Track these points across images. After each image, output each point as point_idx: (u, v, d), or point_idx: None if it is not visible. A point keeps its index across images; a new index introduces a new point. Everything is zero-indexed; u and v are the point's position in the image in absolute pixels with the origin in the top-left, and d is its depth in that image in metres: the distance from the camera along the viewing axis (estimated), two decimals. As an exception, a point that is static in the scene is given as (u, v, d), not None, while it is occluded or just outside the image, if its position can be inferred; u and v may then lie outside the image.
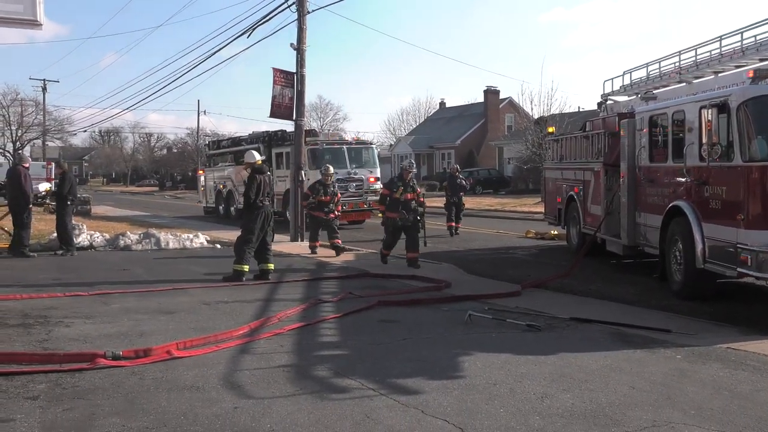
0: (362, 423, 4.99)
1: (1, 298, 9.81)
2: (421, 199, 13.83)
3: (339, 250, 15.39)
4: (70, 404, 5.36)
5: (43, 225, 19.71)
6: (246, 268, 11.69)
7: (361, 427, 4.90)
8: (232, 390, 5.77)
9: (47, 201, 17.04)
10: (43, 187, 21.54)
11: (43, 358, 6.60)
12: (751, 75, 9.12)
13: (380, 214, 14.20)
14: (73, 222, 16.28)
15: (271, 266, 12.07)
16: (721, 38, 11.92)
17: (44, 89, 58.23)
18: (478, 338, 7.60)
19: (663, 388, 5.84)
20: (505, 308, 9.18)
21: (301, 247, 17.30)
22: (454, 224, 20.74)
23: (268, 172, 12.72)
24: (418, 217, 13.59)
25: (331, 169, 16.14)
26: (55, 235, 15.71)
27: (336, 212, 15.74)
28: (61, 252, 15.25)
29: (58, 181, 16.48)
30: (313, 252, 15.56)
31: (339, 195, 16.04)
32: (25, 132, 62.97)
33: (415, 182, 14.00)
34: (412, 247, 13.47)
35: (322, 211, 15.52)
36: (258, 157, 12.71)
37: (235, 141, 31.24)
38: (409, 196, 13.53)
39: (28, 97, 62.77)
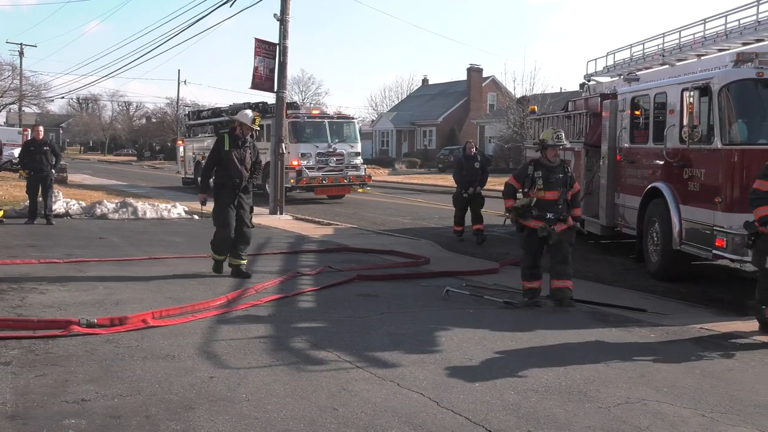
0: (338, 395, 5.00)
1: (-27, 263, 9.68)
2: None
3: (564, 299, 8.15)
4: (44, 370, 5.31)
5: (18, 191, 19.43)
6: None
7: (336, 399, 4.91)
8: (208, 360, 5.75)
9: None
10: (18, 152, 21.15)
11: (16, 323, 6.53)
12: (734, 59, 9.14)
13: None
14: (54, 190, 15.93)
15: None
16: (705, 21, 11.93)
17: (21, 53, 57.12)
18: (455, 314, 7.62)
19: (637, 366, 5.91)
20: (483, 285, 9.21)
21: (280, 220, 17.23)
22: (461, 228, 14.09)
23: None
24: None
25: (562, 136, 8.61)
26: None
27: (572, 218, 8.36)
28: (25, 220, 15.01)
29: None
30: (536, 304, 8.18)
31: (577, 186, 8.60)
32: (1, 97, 61.73)
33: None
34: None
35: (541, 219, 8.18)
36: None
37: (216, 112, 30.89)
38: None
39: (4, 61, 61.33)
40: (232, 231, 9.33)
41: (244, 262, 9.51)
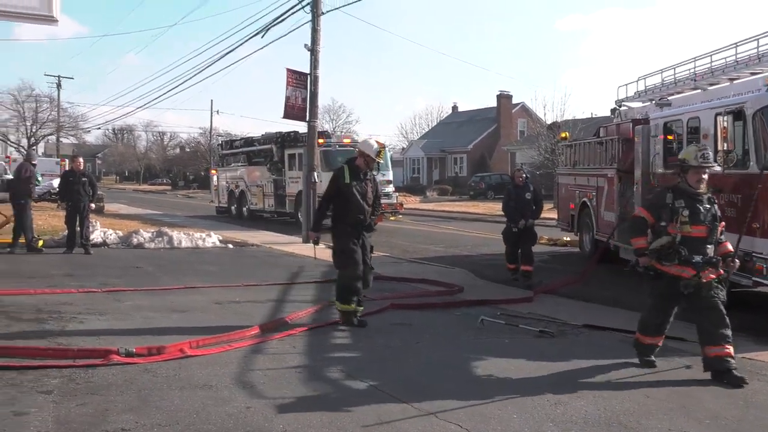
0: (374, 426, 4.98)
1: (14, 293, 9.88)
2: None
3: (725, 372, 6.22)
4: (84, 399, 5.39)
5: (56, 221, 19.80)
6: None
7: (373, 431, 4.89)
8: (245, 390, 5.78)
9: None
10: (57, 183, 21.58)
11: (56, 353, 6.63)
12: (767, 82, 9.04)
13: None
14: (90, 220, 16.16)
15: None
16: (737, 45, 11.82)
17: (59, 86, 58.61)
18: (490, 343, 7.57)
19: (678, 396, 5.80)
20: (518, 314, 9.14)
21: (313, 248, 17.26)
22: (514, 266, 12.52)
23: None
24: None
25: (710, 156, 6.66)
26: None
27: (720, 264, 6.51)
28: (63, 250, 15.26)
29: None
30: (652, 364, 6.66)
31: (722, 223, 6.71)
32: (40, 128, 63.25)
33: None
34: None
35: (687, 263, 6.36)
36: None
37: (248, 141, 31.34)
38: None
39: (42, 93, 63.06)
40: (360, 270, 8.31)
41: (361, 308, 8.43)
